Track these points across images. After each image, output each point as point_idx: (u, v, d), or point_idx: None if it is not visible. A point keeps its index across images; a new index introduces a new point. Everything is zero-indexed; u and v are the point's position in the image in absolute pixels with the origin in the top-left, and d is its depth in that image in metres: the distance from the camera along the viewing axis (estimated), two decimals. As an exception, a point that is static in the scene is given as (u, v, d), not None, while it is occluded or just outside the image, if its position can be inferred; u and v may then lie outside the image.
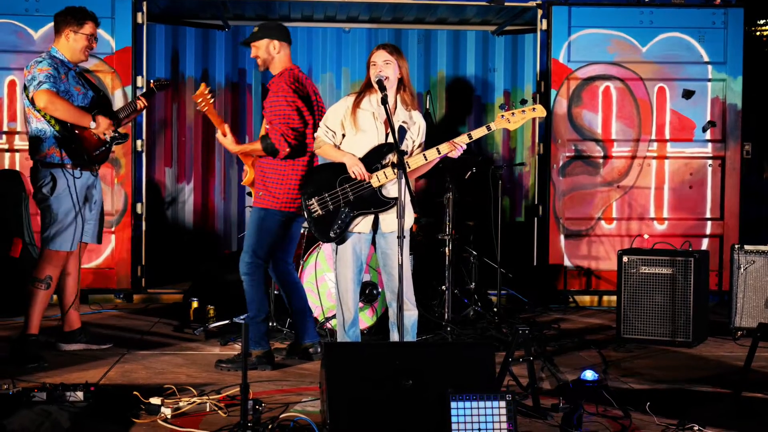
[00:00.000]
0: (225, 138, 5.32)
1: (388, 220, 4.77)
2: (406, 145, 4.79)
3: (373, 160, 4.74)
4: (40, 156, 5.28)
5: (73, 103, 5.29)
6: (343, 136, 4.84)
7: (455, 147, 4.68)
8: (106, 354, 5.52)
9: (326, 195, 4.80)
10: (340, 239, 4.79)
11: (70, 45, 5.38)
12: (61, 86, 5.24)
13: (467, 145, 4.72)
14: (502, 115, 4.72)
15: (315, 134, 4.97)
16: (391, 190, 4.75)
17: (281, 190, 5.22)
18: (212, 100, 5.31)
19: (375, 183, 4.72)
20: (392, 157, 4.70)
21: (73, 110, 5.23)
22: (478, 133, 4.70)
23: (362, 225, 4.78)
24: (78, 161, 5.30)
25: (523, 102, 4.79)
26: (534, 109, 4.73)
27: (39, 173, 5.31)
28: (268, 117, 5.18)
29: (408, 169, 4.63)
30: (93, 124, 5.31)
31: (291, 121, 5.11)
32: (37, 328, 5.32)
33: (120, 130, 5.53)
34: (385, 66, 4.74)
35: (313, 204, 4.83)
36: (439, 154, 4.69)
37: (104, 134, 5.37)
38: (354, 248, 4.79)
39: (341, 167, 4.77)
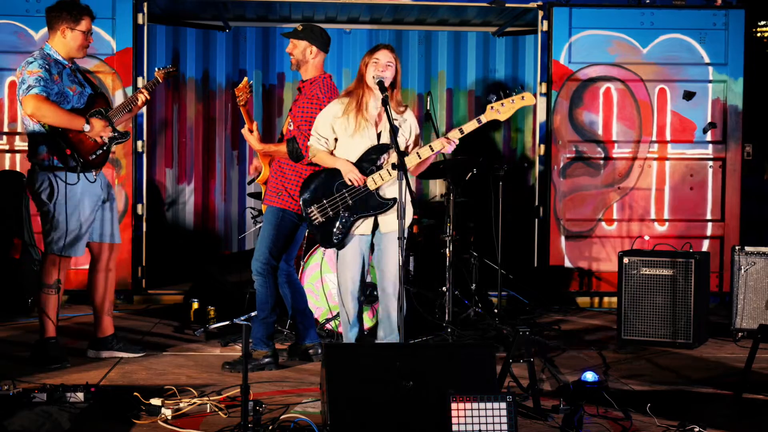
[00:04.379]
0: (251, 135, 5.31)
1: (387, 220, 4.77)
2: (399, 143, 4.79)
3: (367, 162, 4.75)
4: (37, 159, 5.16)
5: (69, 104, 5.15)
6: (335, 140, 4.85)
7: (448, 142, 4.67)
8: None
9: (325, 202, 4.81)
10: (342, 244, 4.80)
11: (66, 42, 5.21)
12: (54, 88, 5.09)
13: (462, 141, 4.71)
14: (492, 107, 4.69)
15: (309, 142, 4.94)
16: (388, 191, 4.75)
17: (299, 192, 5.22)
18: (250, 95, 5.35)
19: (372, 185, 4.73)
20: (388, 158, 4.71)
21: (62, 115, 5.05)
22: (470, 126, 4.67)
23: (363, 227, 4.79)
24: (71, 167, 5.12)
25: (513, 91, 4.71)
26: (523, 97, 4.66)
27: (36, 177, 5.19)
28: (296, 121, 5.18)
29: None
30: (87, 127, 5.12)
31: None
32: (54, 331, 5.26)
33: (120, 128, 5.37)
34: (387, 67, 4.75)
35: (312, 211, 4.85)
36: (433, 151, 4.68)
37: (101, 137, 5.21)
38: (355, 251, 4.80)
39: (337, 172, 4.78)
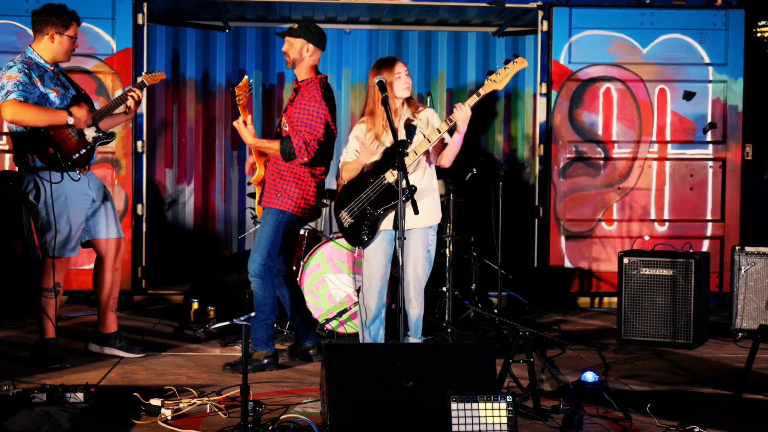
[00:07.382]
0: (245, 128, 5.27)
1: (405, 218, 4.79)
2: (418, 140, 4.81)
3: (387, 160, 4.80)
4: (22, 162, 5.17)
5: (52, 107, 5.11)
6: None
7: (453, 120, 4.66)
8: (107, 354, 5.51)
9: (352, 203, 4.88)
10: (371, 241, 4.85)
11: (53, 47, 5.20)
12: (35, 91, 5.08)
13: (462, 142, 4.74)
14: (489, 79, 4.73)
15: (341, 159, 5.00)
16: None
17: (298, 194, 5.23)
18: (249, 94, 5.33)
19: (390, 178, 4.78)
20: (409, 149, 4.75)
21: (43, 114, 5.03)
22: (471, 101, 4.69)
23: (385, 222, 4.85)
24: (54, 166, 5.10)
25: (507, 62, 4.79)
26: (516, 63, 4.73)
27: (23, 179, 5.20)
28: (292, 122, 5.17)
29: (415, 157, 4.71)
30: (71, 119, 5.07)
31: (316, 132, 5.13)
32: (54, 332, 5.28)
33: (111, 129, 5.37)
34: (407, 78, 4.86)
35: (342, 215, 4.93)
36: (440, 133, 4.70)
37: (86, 126, 5.14)
38: (377, 247, 4.86)
39: (361, 178, 4.86)
